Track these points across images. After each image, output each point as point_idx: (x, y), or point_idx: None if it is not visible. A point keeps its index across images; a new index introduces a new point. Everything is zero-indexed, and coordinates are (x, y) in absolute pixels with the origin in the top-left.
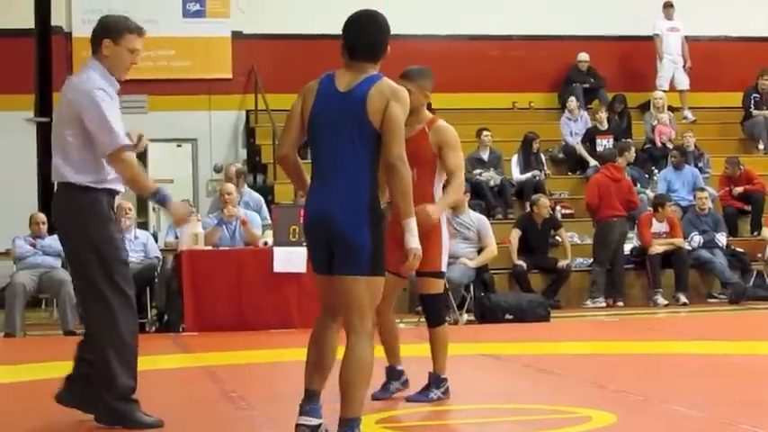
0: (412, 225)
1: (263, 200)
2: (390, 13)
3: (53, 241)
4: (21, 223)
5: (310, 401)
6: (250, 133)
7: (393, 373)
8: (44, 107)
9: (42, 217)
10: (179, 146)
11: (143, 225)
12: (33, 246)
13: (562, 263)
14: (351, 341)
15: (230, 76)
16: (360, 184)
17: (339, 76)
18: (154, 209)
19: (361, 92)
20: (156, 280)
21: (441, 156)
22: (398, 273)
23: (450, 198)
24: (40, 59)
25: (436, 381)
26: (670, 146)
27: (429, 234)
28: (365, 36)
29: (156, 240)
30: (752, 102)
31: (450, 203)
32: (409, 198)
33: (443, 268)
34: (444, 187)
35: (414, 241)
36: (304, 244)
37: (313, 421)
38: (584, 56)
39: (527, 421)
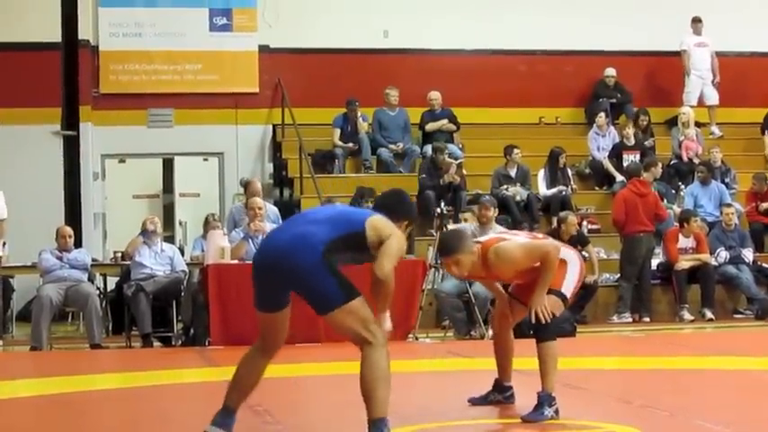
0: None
1: (276, 210)
2: (419, 29)
3: (79, 254)
4: (47, 237)
5: (225, 415)
6: (277, 147)
7: (498, 387)
8: (71, 120)
9: (69, 230)
10: (205, 160)
11: (169, 239)
12: (60, 259)
13: (590, 279)
14: (364, 352)
15: (257, 90)
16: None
17: None
18: (180, 223)
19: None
20: (183, 293)
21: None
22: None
23: (544, 283)
24: (66, 73)
25: (548, 399)
26: (697, 161)
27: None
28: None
29: (183, 254)
30: None
31: (544, 288)
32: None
33: (563, 290)
34: None
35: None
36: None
37: None
38: (610, 71)
39: None
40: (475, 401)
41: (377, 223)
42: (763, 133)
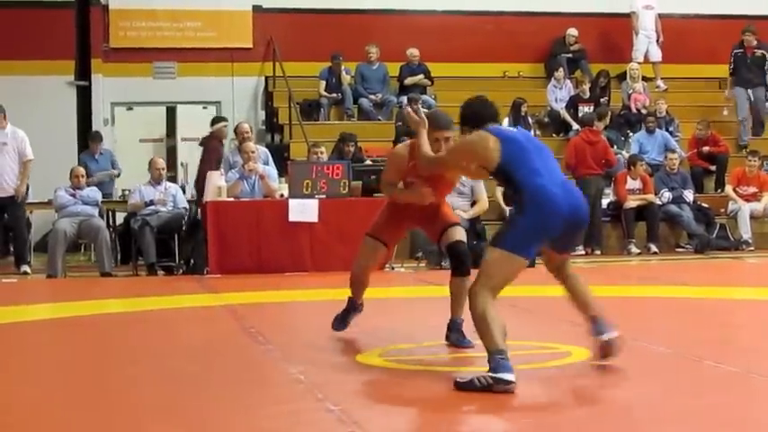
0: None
1: (267, 151)
2: None
3: (91, 192)
4: (62, 176)
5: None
6: (269, 97)
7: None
8: (83, 72)
9: (81, 170)
10: (204, 108)
11: (172, 179)
12: (73, 196)
13: None
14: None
15: (251, 45)
16: None
17: None
18: (182, 164)
19: None
20: (184, 228)
21: None
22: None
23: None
24: (79, 29)
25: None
26: (644, 112)
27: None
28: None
29: (184, 192)
30: (733, 58)
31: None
32: None
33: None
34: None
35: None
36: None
37: None
38: (573, 31)
39: (514, 356)
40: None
41: None
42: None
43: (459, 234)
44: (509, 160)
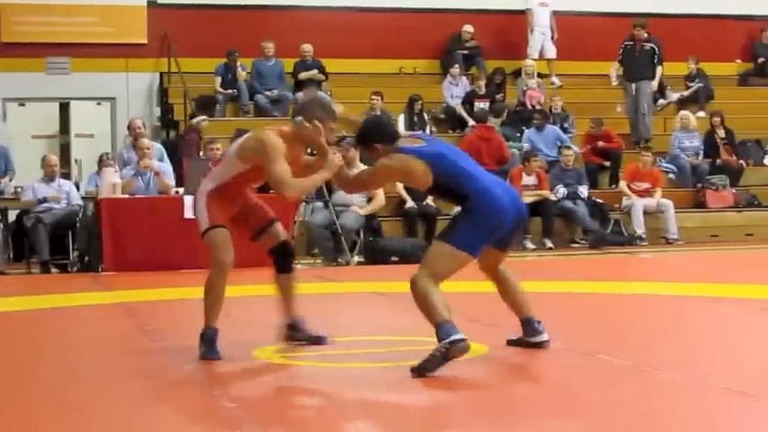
0: None
1: (162, 147)
2: None
3: None
4: None
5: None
6: (164, 93)
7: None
8: None
9: None
10: (99, 104)
11: (66, 175)
12: None
13: (433, 206)
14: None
15: (146, 41)
16: None
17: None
18: (75, 161)
19: None
20: (78, 224)
21: None
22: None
23: None
24: None
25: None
26: (538, 108)
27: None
28: None
29: (78, 189)
30: (622, 50)
31: None
32: None
33: None
34: None
35: None
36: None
37: None
38: (468, 27)
39: (409, 351)
40: None
41: None
42: None
43: (283, 232)
44: (442, 177)
